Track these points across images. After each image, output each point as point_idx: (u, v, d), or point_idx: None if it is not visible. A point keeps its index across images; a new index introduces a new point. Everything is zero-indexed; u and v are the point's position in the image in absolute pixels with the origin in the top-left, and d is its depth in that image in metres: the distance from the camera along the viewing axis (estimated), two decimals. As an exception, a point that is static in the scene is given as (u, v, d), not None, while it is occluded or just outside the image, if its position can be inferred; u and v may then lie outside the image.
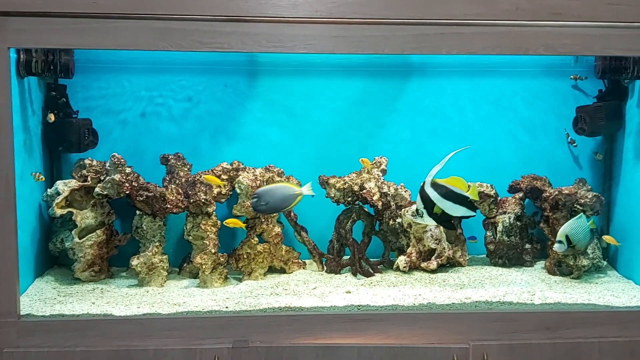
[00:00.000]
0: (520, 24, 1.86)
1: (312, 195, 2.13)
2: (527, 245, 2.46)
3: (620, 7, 1.88)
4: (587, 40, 1.90)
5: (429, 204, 2.02)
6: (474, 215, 2.08)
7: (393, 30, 1.85)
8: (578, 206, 2.35)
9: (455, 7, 1.84)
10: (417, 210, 2.06)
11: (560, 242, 2.19)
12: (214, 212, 2.29)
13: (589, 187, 2.44)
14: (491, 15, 1.85)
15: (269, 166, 2.40)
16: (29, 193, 2.18)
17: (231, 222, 2.22)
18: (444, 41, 1.86)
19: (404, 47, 1.87)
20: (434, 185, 2.02)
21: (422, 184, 2.04)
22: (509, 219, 2.44)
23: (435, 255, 2.37)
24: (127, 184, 2.23)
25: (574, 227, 2.20)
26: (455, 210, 2.03)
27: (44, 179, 2.14)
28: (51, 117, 2.21)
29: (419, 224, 2.35)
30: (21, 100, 2.13)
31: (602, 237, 2.33)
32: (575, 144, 2.51)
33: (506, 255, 2.45)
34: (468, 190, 2.03)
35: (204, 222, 2.27)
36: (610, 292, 2.16)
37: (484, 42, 1.86)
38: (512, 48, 1.88)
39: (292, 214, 2.43)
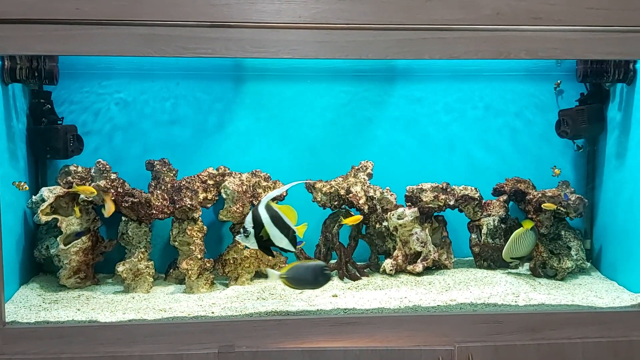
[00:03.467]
0: (502, 28, 1.88)
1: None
2: (512, 248, 2.48)
3: (600, 11, 1.90)
4: (567, 44, 1.92)
5: (258, 226, 1.88)
6: (293, 251, 1.98)
7: (376, 36, 1.87)
8: (562, 208, 2.38)
9: (437, 13, 1.86)
10: (244, 228, 1.90)
11: (511, 261, 2.35)
12: (200, 218, 2.29)
13: (572, 189, 2.47)
14: (473, 20, 1.87)
15: (256, 171, 2.41)
16: (13, 200, 2.17)
17: (350, 221, 2.25)
18: (427, 46, 1.88)
19: (387, 52, 1.88)
20: (268, 208, 1.89)
21: (256, 203, 1.93)
22: (494, 221, 2.46)
23: (421, 258, 2.39)
24: (112, 190, 2.23)
25: (512, 248, 2.30)
26: (279, 239, 1.91)
27: (27, 188, 2.12)
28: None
29: (405, 227, 2.37)
30: (5, 107, 2.12)
31: (543, 205, 2.37)
32: (581, 149, 2.53)
33: (491, 258, 2.47)
34: (297, 226, 1.94)
35: (189, 227, 2.27)
36: (593, 293, 2.18)
37: (466, 47, 1.88)
38: (494, 52, 1.90)
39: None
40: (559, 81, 2.52)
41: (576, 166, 2.59)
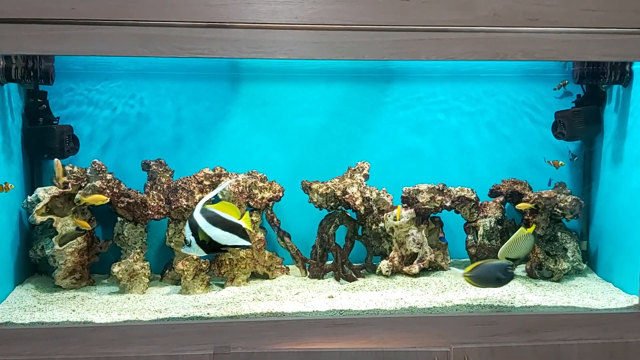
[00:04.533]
0: (498, 30, 1.88)
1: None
2: (508, 249, 2.48)
3: (596, 13, 1.91)
4: (563, 46, 1.92)
5: (196, 231, 1.85)
6: (250, 246, 1.93)
7: (372, 36, 1.86)
8: (558, 210, 2.38)
9: (433, 14, 1.86)
10: (185, 240, 1.88)
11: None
12: (196, 218, 2.29)
13: (569, 190, 2.47)
14: (469, 21, 1.87)
15: (252, 172, 2.41)
16: (8, 200, 2.16)
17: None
18: (423, 47, 1.88)
19: (384, 52, 1.88)
20: (204, 211, 1.86)
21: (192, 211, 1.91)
22: (490, 222, 2.46)
23: (417, 259, 2.39)
24: (108, 191, 2.22)
25: (509, 248, 2.27)
26: (226, 238, 1.87)
27: (12, 186, 2.10)
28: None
29: (401, 228, 2.37)
30: (1, 107, 2.11)
31: (517, 206, 2.40)
32: (576, 157, 2.53)
33: (487, 259, 2.47)
34: (241, 218, 1.89)
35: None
36: (589, 294, 2.18)
37: (462, 48, 1.88)
38: (490, 54, 1.90)
39: (275, 219, 2.43)
40: (565, 81, 2.50)
41: (572, 168, 2.59)
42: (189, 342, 1.91)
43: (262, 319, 1.97)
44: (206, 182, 2.34)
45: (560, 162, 2.43)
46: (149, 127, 2.49)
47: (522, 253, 2.29)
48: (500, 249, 2.29)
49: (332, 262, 2.40)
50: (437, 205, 2.41)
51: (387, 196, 2.43)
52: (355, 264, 2.42)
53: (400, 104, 2.57)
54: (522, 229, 2.28)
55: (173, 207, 2.27)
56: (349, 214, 2.44)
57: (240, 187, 2.32)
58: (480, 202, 2.49)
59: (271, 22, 1.84)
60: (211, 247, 1.87)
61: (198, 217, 1.85)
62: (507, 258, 2.29)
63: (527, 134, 2.60)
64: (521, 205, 2.36)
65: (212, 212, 1.86)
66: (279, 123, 2.54)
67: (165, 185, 2.33)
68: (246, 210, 2.33)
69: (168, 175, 2.37)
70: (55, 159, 2.22)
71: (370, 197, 2.39)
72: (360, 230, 2.47)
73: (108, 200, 2.20)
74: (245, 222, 1.89)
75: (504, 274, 2.03)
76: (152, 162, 2.37)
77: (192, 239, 1.85)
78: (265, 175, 2.42)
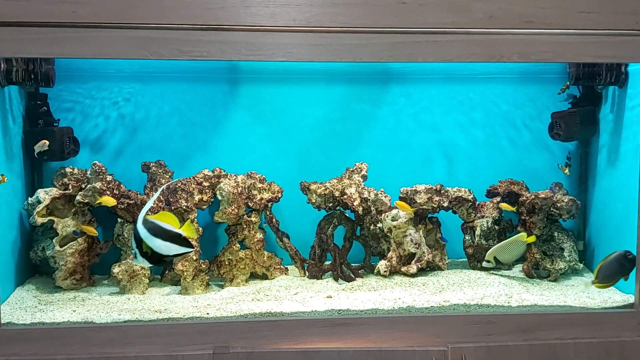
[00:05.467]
0: (494, 32, 1.90)
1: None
2: (506, 249, 2.50)
3: (591, 15, 1.92)
4: (559, 48, 1.93)
5: (140, 243, 1.84)
6: (192, 250, 1.95)
7: (370, 39, 1.88)
8: (555, 210, 2.40)
9: (430, 16, 1.87)
10: (133, 252, 1.88)
11: (488, 261, 2.34)
12: (196, 219, 2.31)
13: (565, 190, 2.49)
14: (465, 23, 1.88)
15: (251, 173, 2.43)
16: (9, 201, 2.18)
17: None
18: (419, 49, 1.89)
19: (381, 55, 1.90)
20: (145, 222, 1.84)
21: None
22: (487, 223, 2.48)
23: (415, 259, 2.40)
24: (108, 192, 2.24)
25: (503, 248, 2.32)
26: (167, 249, 1.85)
27: (7, 180, 2.10)
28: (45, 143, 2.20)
29: (399, 228, 2.39)
30: (2, 109, 2.13)
31: (501, 205, 2.45)
32: (567, 170, 2.53)
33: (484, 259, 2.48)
34: (181, 227, 1.88)
35: (185, 229, 2.28)
36: (585, 294, 2.20)
37: (459, 50, 1.90)
38: (486, 55, 1.91)
39: (274, 220, 2.45)
40: (567, 83, 2.49)
41: (570, 167, 2.61)
42: (189, 342, 1.92)
43: (261, 319, 1.99)
44: (205, 184, 2.36)
45: (567, 171, 2.45)
46: (148, 129, 2.50)
47: (509, 259, 2.32)
48: (492, 248, 2.31)
49: (330, 262, 2.42)
50: (435, 206, 2.42)
51: (385, 197, 2.44)
52: (353, 264, 2.44)
53: (398, 106, 2.59)
54: (523, 234, 2.30)
55: (172, 207, 2.28)
56: (347, 215, 2.45)
57: (240, 188, 2.34)
58: (477, 203, 2.51)
59: (269, 25, 1.85)
60: (154, 258, 1.86)
61: (140, 228, 1.83)
62: (495, 258, 2.30)
63: (523, 135, 2.62)
64: (504, 206, 2.41)
65: (153, 222, 1.84)
66: (277, 125, 2.56)
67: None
68: (245, 211, 2.35)
69: (168, 176, 2.39)
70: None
71: (369, 198, 2.41)
72: (358, 230, 2.48)
73: (115, 203, 2.24)
74: (186, 231, 1.87)
75: (626, 261, 2.04)
76: (151, 164, 2.39)
77: (137, 250, 1.84)
78: (264, 176, 2.43)
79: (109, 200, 2.22)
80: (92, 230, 2.26)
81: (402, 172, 2.59)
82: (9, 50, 1.83)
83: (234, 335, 1.94)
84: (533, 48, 1.92)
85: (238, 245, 2.36)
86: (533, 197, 2.40)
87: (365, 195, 2.40)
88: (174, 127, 2.52)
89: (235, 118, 2.55)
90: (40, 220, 2.21)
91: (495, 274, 2.40)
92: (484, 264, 2.38)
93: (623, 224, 2.24)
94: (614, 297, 2.16)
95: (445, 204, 2.43)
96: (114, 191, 2.25)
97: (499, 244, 2.31)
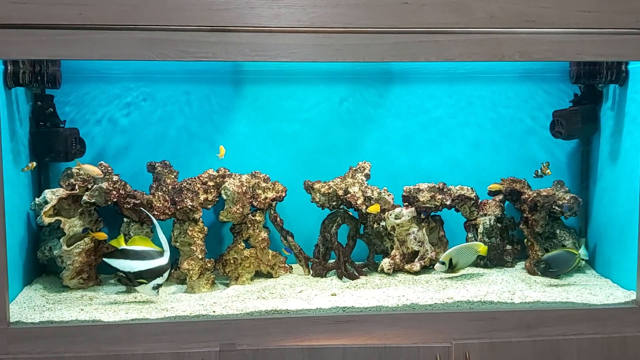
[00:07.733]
0: (495, 31, 1.92)
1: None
2: (508, 247, 2.52)
3: (592, 14, 1.94)
4: (560, 47, 1.95)
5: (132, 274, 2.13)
6: (172, 264, 2.23)
7: (373, 39, 1.90)
8: (556, 207, 2.42)
9: (432, 16, 1.89)
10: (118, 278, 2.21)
11: (442, 263, 2.32)
12: (201, 219, 2.33)
13: (567, 188, 2.50)
14: (467, 23, 1.90)
15: (255, 172, 2.45)
16: (17, 202, 2.20)
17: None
18: (422, 49, 1.91)
19: (384, 54, 1.92)
20: (123, 252, 2.13)
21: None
22: (490, 220, 2.50)
23: (418, 257, 2.42)
24: (114, 192, 2.26)
25: (460, 251, 2.33)
26: (137, 265, 2.12)
27: (34, 164, 2.21)
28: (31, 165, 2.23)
29: (403, 226, 2.41)
30: (9, 111, 2.15)
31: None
32: (542, 175, 2.50)
33: (487, 256, 2.50)
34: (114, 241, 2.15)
35: (190, 228, 2.30)
36: (588, 290, 2.21)
37: (461, 49, 1.92)
38: (488, 55, 1.93)
39: (278, 219, 2.47)
40: (542, 166, 2.47)
41: (570, 166, 2.63)
42: (195, 339, 1.94)
43: (266, 317, 2.01)
44: (210, 183, 2.38)
45: (548, 171, 2.45)
46: (154, 129, 2.52)
47: (461, 263, 2.34)
48: (449, 250, 2.32)
49: (334, 260, 2.44)
50: (438, 204, 2.44)
51: (388, 195, 2.46)
52: (357, 263, 2.46)
53: (400, 105, 2.61)
54: (479, 244, 2.35)
55: (178, 207, 2.30)
56: (350, 213, 2.47)
57: (244, 188, 2.36)
58: (480, 201, 2.53)
59: (274, 25, 1.87)
60: (151, 277, 2.12)
61: (111, 262, 2.12)
62: (449, 260, 2.31)
63: (526, 133, 2.64)
64: (492, 186, 2.46)
65: (131, 250, 2.12)
66: (281, 124, 2.58)
67: (170, 186, 2.37)
68: (250, 210, 2.37)
69: (173, 176, 2.41)
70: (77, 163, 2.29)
71: (372, 197, 2.43)
72: (362, 229, 2.50)
73: (102, 175, 2.29)
74: (117, 244, 2.14)
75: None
76: (157, 164, 2.41)
77: (125, 276, 2.14)
78: (268, 175, 2.45)
79: (91, 169, 2.26)
80: (102, 236, 2.30)
81: (405, 171, 2.60)
82: (16, 52, 1.85)
83: (240, 332, 1.96)
84: (534, 47, 1.94)
85: (243, 244, 2.38)
86: (535, 194, 2.42)
87: (368, 194, 2.42)
88: (179, 128, 2.53)
89: (240, 118, 2.57)
90: (47, 220, 2.23)
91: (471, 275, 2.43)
92: (437, 266, 2.33)
93: (624, 220, 2.26)
94: (616, 293, 2.18)
95: (448, 202, 2.45)
96: (120, 191, 2.27)
97: (455, 248, 2.33)
